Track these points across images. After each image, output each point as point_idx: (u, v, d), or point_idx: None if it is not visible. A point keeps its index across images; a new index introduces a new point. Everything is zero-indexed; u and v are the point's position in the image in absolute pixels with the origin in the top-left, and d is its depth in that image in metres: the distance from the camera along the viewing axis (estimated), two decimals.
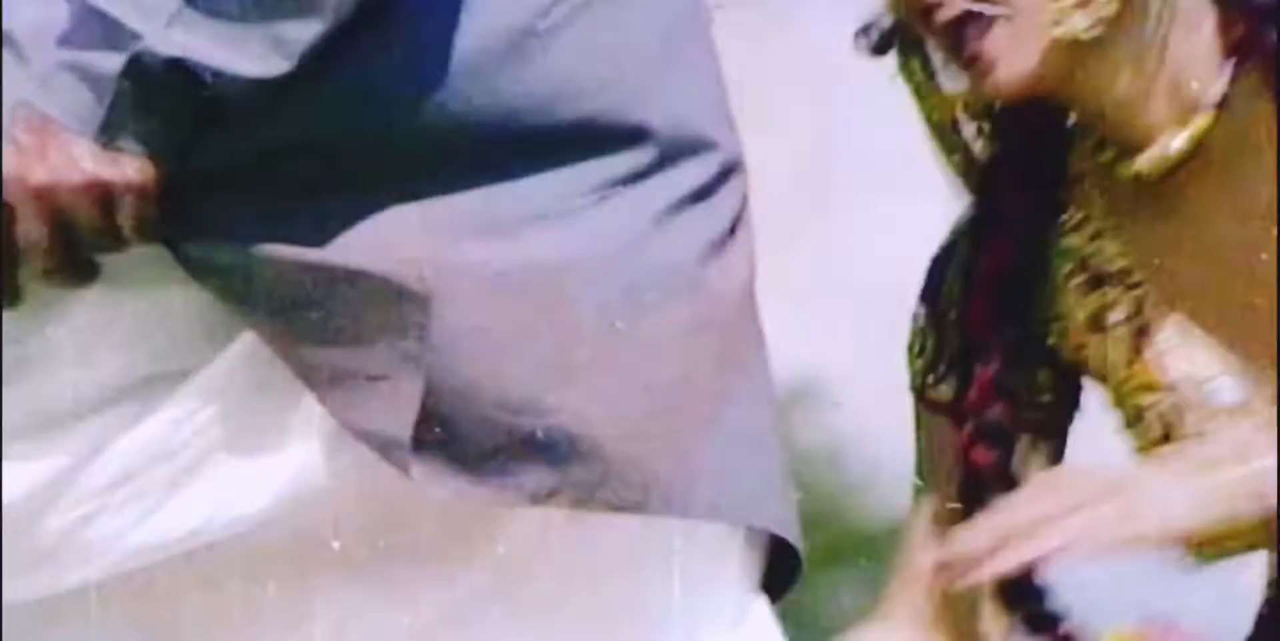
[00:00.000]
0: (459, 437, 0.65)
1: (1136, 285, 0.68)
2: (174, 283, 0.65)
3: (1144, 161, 0.64)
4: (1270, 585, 0.83)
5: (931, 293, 0.79)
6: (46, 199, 0.59)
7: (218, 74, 0.57)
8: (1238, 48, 0.63)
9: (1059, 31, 0.67)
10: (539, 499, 0.65)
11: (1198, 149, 0.62)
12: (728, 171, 0.68)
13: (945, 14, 0.71)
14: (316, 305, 0.64)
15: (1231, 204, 0.62)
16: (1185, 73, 0.63)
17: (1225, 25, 0.63)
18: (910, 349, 0.81)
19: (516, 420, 0.65)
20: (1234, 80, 0.62)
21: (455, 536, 0.70)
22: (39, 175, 0.59)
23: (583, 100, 0.64)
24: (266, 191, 0.62)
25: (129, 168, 0.59)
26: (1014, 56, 0.69)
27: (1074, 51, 0.67)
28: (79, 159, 0.59)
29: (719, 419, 0.67)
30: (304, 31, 0.57)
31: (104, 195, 0.59)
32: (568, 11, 0.64)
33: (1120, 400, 0.75)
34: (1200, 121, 0.61)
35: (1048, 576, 0.77)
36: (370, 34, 0.61)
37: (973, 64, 0.71)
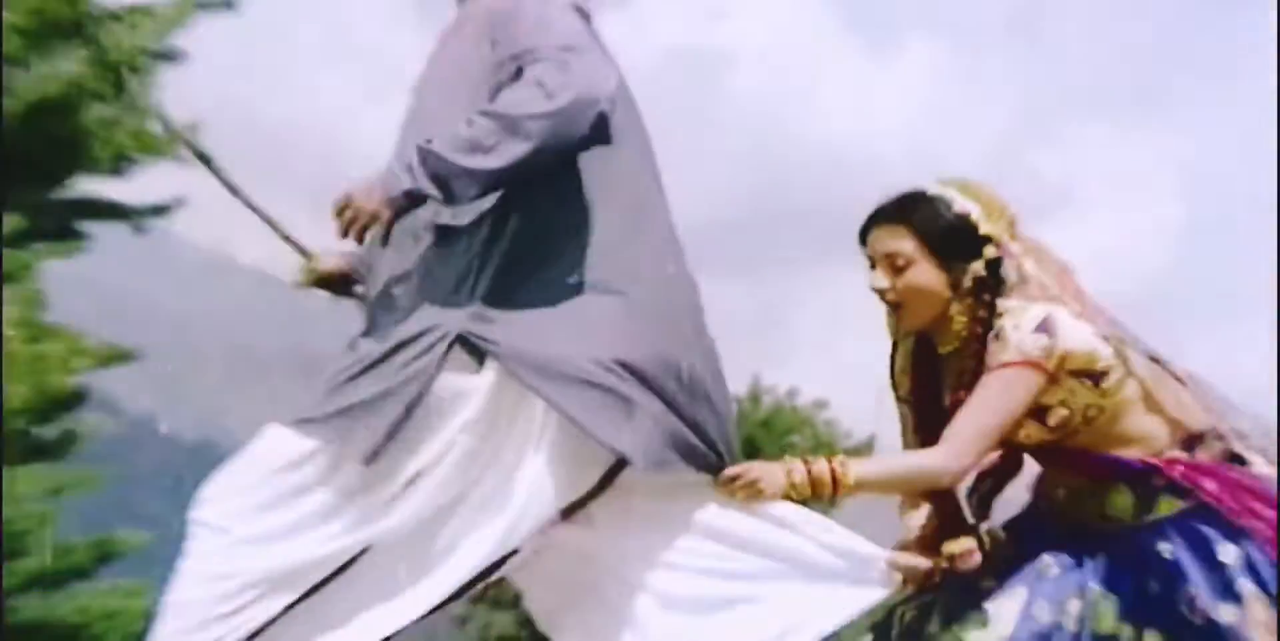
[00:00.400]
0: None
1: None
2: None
3: (948, 346, 1.65)
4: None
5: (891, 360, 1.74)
6: (350, 206, 1.50)
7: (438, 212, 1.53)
8: (975, 322, 1.60)
9: (933, 316, 1.61)
10: None
11: (959, 346, 1.63)
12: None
13: (884, 298, 1.63)
14: None
15: (969, 358, 1.61)
16: (956, 321, 1.61)
17: (973, 310, 1.60)
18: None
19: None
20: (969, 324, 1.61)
21: None
22: (356, 200, 1.49)
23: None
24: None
25: (386, 207, 1.48)
26: (910, 319, 1.63)
27: (935, 323, 1.62)
28: (373, 197, 1.49)
29: None
30: (464, 216, 1.52)
31: (372, 211, 1.49)
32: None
33: None
34: (955, 341, 1.64)
35: None
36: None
37: (893, 316, 1.66)
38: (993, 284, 1.57)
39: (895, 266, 1.58)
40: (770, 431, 12.31)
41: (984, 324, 1.57)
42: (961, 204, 1.59)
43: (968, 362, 1.59)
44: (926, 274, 1.57)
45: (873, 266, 1.62)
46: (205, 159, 1.92)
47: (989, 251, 1.57)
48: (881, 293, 1.61)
